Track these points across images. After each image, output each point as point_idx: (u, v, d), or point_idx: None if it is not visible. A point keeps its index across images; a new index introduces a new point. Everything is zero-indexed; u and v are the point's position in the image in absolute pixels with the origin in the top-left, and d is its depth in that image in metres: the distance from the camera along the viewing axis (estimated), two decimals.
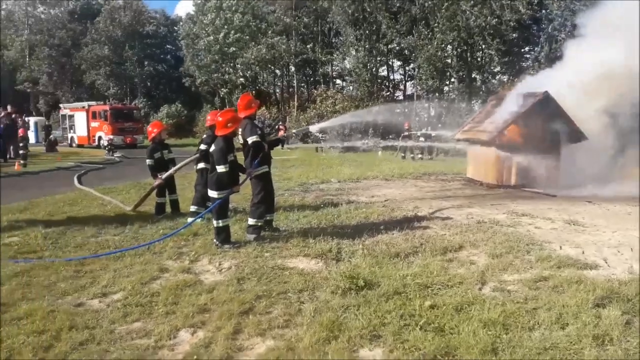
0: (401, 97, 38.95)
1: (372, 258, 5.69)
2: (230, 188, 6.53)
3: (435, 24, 28.05)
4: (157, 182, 8.45)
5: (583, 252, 5.97)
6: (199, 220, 7.55)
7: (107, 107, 33.04)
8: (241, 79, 41.57)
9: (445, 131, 15.47)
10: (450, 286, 4.86)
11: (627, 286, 4.67)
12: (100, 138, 32.37)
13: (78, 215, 8.74)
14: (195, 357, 3.54)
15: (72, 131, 35.29)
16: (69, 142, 35.14)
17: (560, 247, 6.20)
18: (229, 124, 6.45)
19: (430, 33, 28.44)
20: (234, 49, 39.04)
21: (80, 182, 13.77)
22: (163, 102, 48.53)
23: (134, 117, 34.82)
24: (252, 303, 4.47)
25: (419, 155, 22.68)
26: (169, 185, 8.67)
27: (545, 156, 11.55)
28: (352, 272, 5.01)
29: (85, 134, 33.90)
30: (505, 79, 29.23)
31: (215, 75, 42.09)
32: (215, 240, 6.51)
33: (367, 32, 31.93)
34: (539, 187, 11.53)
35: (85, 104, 35.39)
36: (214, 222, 6.50)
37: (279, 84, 46.60)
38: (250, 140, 6.74)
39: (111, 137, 30.41)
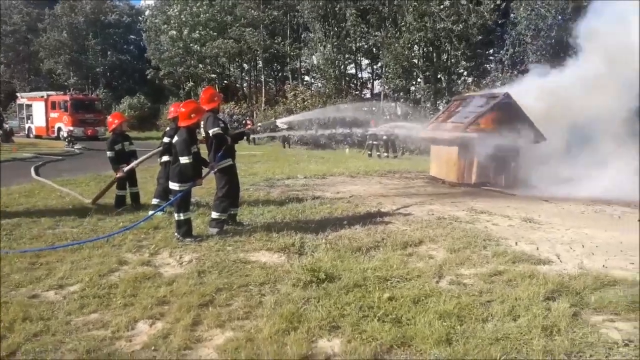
0: (369, 95, 39.23)
1: (334, 252, 5.75)
2: (193, 180, 6.47)
3: (403, 23, 28.38)
4: (118, 174, 8.30)
5: (537, 249, 6.19)
6: (159, 213, 7.45)
7: (67, 98, 32.01)
8: (212, 75, 41.00)
9: (410, 123, 15.68)
10: (408, 279, 4.97)
11: (577, 280, 4.88)
12: (59, 129, 31.34)
13: (35, 207, 8.48)
14: (153, 347, 3.51)
15: (29, 121, 34.08)
16: (26, 132, 33.91)
17: (516, 243, 6.41)
18: (192, 115, 6.37)
19: (398, 32, 28.75)
20: (197, 46, 38.48)
21: (37, 173, 13.33)
22: (125, 93, 47.25)
23: (95, 108, 33.83)
24: (212, 295, 4.46)
25: (385, 154, 22.94)
26: (130, 178, 8.53)
27: (505, 156, 11.91)
28: (314, 265, 5.07)
29: (43, 124, 32.76)
30: (469, 80, 29.81)
31: (180, 69, 41.39)
32: (176, 234, 6.44)
33: (335, 28, 32.00)
34: (498, 186, 11.87)
35: (44, 93, 34.18)
36: (175, 215, 6.43)
37: (246, 78, 46.12)
38: (211, 132, 6.68)
39: (71, 128, 29.48)
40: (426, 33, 27.42)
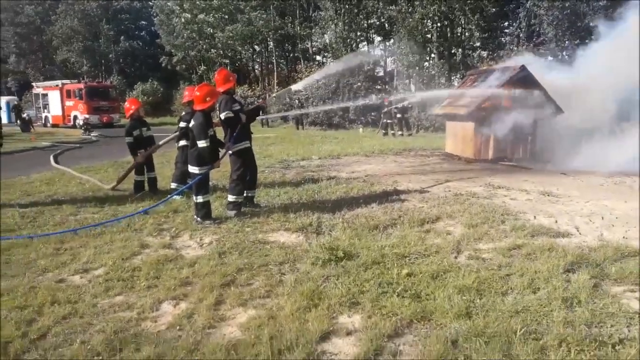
0: (381, 73, 38.83)
1: (351, 231, 5.79)
2: (211, 164, 6.53)
3: None
4: (137, 159, 8.40)
5: (556, 222, 6.16)
6: (177, 196, 7.56)
7: (81, 86, 32.26)
8: (225, 60, 40.86)
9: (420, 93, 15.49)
10: (427, 255, 4.99)
11: (597, 252, 4.87)
12: (75, 117, 31.68)
13: (55, 194, 8.65)
14: (178, 327, 3.60)
15: (46, 110, 34.48)
16: (43, 121, 34.34)
17: (535, 217, 6.38)
18: (207, 98, 6.40)
19: (411, 7, 28.23)
20: (211, 30, 38.29)
21: (57, 161, 13.55)
22: (138, 79, 47.40)
23: (110, 95, 34.08)
24: (233, 275, 4.54)
25: (399, 132, 22.79)
26: (147, 163, 8.63)
27: (522, 130, 11.76)
28: (332, 244, 5.13)
29: (59, 113, 33.13)
30: (484, 55, 29.28)
31: (192, 52, 41.31)
32: (195, 217, 6.53)
33: (346, 5, 31.54)
34: (515, 160, 11.76)
35: (59, 82, 34.45)
36: (194, 198, 6.50)
37: (258, 60, 45.90)
38: (222, 116, 6.70)
39: (87, 116, 29.76)
40: (440, 6, 26.87)
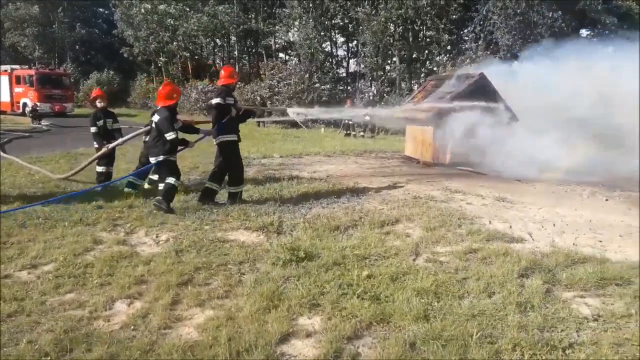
0: (344, 74, 39.06)
1: (313, 231, 5.78)
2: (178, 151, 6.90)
3: (381, 1, 28.14)
4: (102, 150, 8.19)
5: (510, 227, 6.35)
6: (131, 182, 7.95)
7: (32, 72, 30.76)
8: (185, 53, 39.99)
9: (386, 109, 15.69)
10: (386, 257, 5.04)
11: (549, 258, 5.04)
12: (25, 105, 30.19)
13: (2, 185, 8.22)
14: (132, 327, 3.48)
15: None
16: None
17: (490, 222, 6.55)
18: (173, 95, 6.84)
19: (375, 10, 28.52)
20: (171, 20, 37.45)
21: (4, 150, 12.89)
22: (94, 68, 45.66)
23: (63, 83, 32.66)
24: (191, 274, 4.45)
25: (361, 134, 22.97)
26: (109, 156, 8.42)
27: (480, 136, 12.06)
28: (293, 244, 5.09)
29: (7, 99, 31.48)
30: (444, 60, 29.89)
31: (152, 45, 40.23)
32: (157, 197, 6.68)
33: (311, 5, 31.52)
34: (471, 166, 12.05)
35: (8, 67, 32.75)
36: (167, 179, 6.68)
37: (219, 54, 45.17)
38: (213, 102, 7.10)
39: (37, 103, 28.43)
40: (407, 11, 27.27)
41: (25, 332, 3.36)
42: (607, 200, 8.56)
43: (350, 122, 22.99)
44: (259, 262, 4.85)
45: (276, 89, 29.59)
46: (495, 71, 13.08)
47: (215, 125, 7.06)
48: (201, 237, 5.56)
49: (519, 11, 25.05)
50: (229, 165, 7.19)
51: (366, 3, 29.24)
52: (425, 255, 5.16)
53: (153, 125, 6.81)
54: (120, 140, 8.29)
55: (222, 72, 7.48)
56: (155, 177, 8.11)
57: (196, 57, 42.43)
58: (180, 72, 41.34)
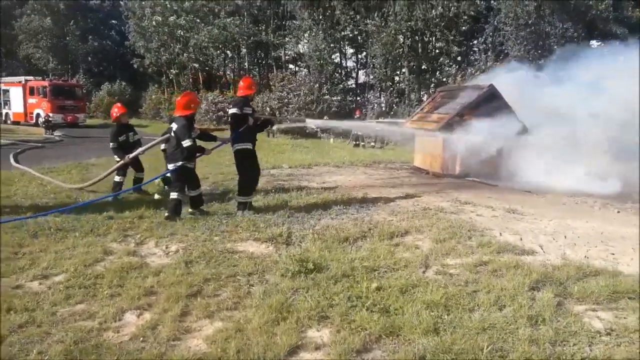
0: (354, 85, 39.19)
1: (322, 242, 5.77)
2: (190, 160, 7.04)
3: (390, 12, 28.28)
4: (123, 161, 8.41)
5: (521, 239, 6.29)
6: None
7: (46, 83, 31.20)
8: (195, 64, 40.41)
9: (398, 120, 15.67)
10: (396, 269, 5.02)
11: (560, 270, 4.98)
12: (38, 115, 30.60)
13: (15, 195, 8.32)
14: (141, 338, 3.49)
15: (6, 107, 33.14)
16: (3, 118, 33.04)
17: (500, 234, 6.50)
18: (192, 105, 7.10)
19: (384, 22, 28.65)
20: (182, 32, 37.90)
21: (17, 160, 13.05)
22: (106, 79, 46.26)
23: (76, 94, 33.09)
24: (200, 286, 4.45)
25: (371, 144, 22.99)
26: (136, 164, 8.78)
27: (489, 147, 12.03)
28: (302, 255, 5.08)
29: (21, 110, 31.94)
30: (453, 72, 29.90)
31: (164, 56, 40.68)
32: (189, 209, 7.16)
33: (321, 17, 31.74)
34: (481, 177, 12.00)
35: (22, 78, 33.26)
36: (172, 194, 7.00)
37: (230, 66, 45.56)
38: (230, 111, 7.42)
39: (49, 114, 28.79)
40: (416, 23, 27.39)
41: (35, 342, 3.38)
42: (618, 212, 8.47)
43: (359, 133, 23.02)
44: (267, 274, 4.85)
45: (285, 100, 29.73)
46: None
47: (232, 134, 7.36)
48: (211, 248, 5.58)
49: (530, 22, 25.04)
50: (242, 173, 7.46)
51: (376, 15, 29.38)
52: (435, 268, 5.14)
53: (172, 133, 7.00)
54: (140, 150, 8.44)
55: (241, 83, 7.74)
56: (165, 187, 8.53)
57: (207, 68, 42.83)
58: (191, 83, 41.69)
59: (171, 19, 37.34)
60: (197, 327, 3.72)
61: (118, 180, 8.60)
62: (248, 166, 7.50)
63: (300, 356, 3.36)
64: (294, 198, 8.40)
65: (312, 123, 13.57)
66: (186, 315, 3.91)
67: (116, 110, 8.87)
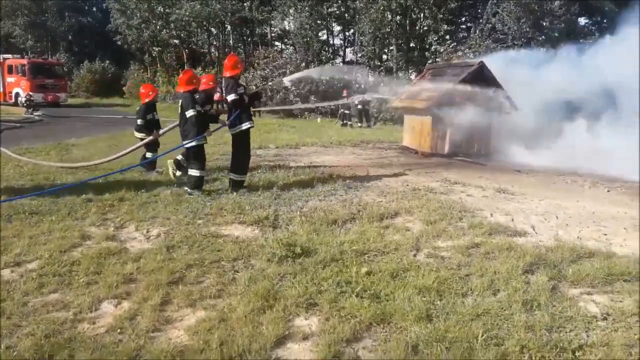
0: (341, 63, 38.70)
1: (309, 225, 5.58)
2: (202, 134, 7.11)
3: None
4: (151, 136, 8.62)
5: (512, 220, 6.18)
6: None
7: (25, 61, 30.29)
8: (175, 40, 39.44)
9: (383, 95, 15.39)
10: (386, 252, 4.86)
11: (553, 253, 4.87)
12: (17, 95, 29.74)
13: None
14: (118, 330, 3.29)
15: None
16: None
17: (491, 215, 6.38)
18: (194, 81, 7.21)
19: None
20: (162, 8, 36.88)
21: None
22: (87, 57, 45.10)
23: (57, 73, 32.26)
24: (182, 272, 4.25)
25: (358, 124, 22.76)
26: (152, 144, 8.86)
27: (478, 126, 11.89)
28: (289, 239, 4.89)
29: (0, 89, 31.05)
30: (441, 50, 29.55)
31: (145, 33, 39.64)
32: (186, 188, 7.06)
33: None
34: (470, 156, 11.88)
35: (0, 56, 32.27)
36: (190, 171, 7.09)
37: (214, 43, 44.59)
38: (229, 98, 7.19)
39: (30, 93, 28.00)
40: (406, 0, 26.88)
41: (3, 337, 3.16)
42: (608, 191, 8.42)
43: (346, 112, 22.75)
44: (253, 259, 4.65)
45: (270, 79, 29.22)
46: None
47: (230, 117, 7.29)
48: (193, 232, 5.36)
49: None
50: (243, 152, 7.46)
51: None
52: (426, 251, 4.99)
53: (179, 110, 7.13)
54: (168, 127, 8.76)
55: (227, 62, 7.44)
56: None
57: (190, 45, 41.92)
58: (174, 60, 40.82)
59: None
60: (179, 316, 3.53)
61: (150, 156, 8.73)
62: (246, 142, 7.50)
63: (287, 347, 3.19)
64: (281, 179, 8.18)
65: (287, 79, 13.46)
66: (167, 304, 3.71)
67: (150, 92, 9.07)
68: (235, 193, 7.05)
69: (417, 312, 3.57)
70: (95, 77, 42.05)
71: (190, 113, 6.91)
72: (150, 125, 8.87)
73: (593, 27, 28.94)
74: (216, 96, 10.13)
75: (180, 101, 7.16)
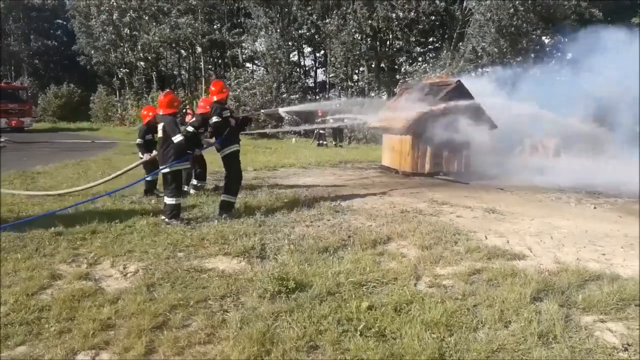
0: (312, 84, 38.77)
1: (300, 254, 5.24)
2: (187, 158, 7.04)
3: (349, 11, 27.91)
4: (145, 157, 8.44)
5: (508, 242, 5.98)
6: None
7: None
8: (141, 63, 38.77)
9: (361, 116, 15.30)
10: (385, 283, 4.56)
11: (558, 277, 4.66)
12: None
13: None
14: None
15: None
16: None
17: (486, 237, 6.17)
18: (174, 104, 7.08)
19: (343, 20, 28.26)
20: (127, 30, 36.31)
21: None
22: (53, 81, 44.00)
23: (20, 97, 31.23)
24: (166, 315, 3.83)
25: (332, 143, 22.61)
26: (154, 164, 8.35)
27: (458, 144, 11.85)
28: (281, 272, 4.54)
29: None
30: (410, 70, 29.79)
31: (113, 55, 38.90)
32: (163, 217, 6.71)
33: (278, 15, 31.04)
34: (451, 175, 11.78)
35: None
36: (166, 199, 6.75)
37: (184, 65, 44.08)
38: (211, 121, 7.15)
39: None
40: (378, 22, 27.09)
41: None
42: (595, 208, 8.36)
43: (322, 132, 22.60)
44: (243, 295, 4.28)
45: (242, 99, 28.87)
46: None
47: (217, 139, 7.22)
48: (175, 266, 4.94)
49: (503, 23, 24.88)
50: (232, 174, 7.37)
51: (334, 13, 28.97)
52: (427, 279, 4.71)
53: (160, 133, 6.91)
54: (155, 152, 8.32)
55: (213, 88, 7.44)
56: (196, 182, 9.06)
57: (160, 68, 41.33)
58: (143, 83, 40.12)
59: (115, 15, 35.63)
60: None
61: (150, 179, 8.60)
62: (238, 166, 7.43)
63: None
64: (263, 204, 7.81)
65: (283, 111, 13.29)
66: (151, 353, 3.31)
67: (150, 113, 8.88)
68: (221, 217, 6.91)
69: (429, 351, 3.28)
70: (62, 101, 40.96)
71: (178, 138, 6.70)
72: (150, 146, 8.70)
73: (559, 46, 29.65)
74: (187, 117, 10.04)
75: (162, 125, 6.86)
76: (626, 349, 3.45)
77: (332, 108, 18.18)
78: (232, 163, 7.34)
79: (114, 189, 7.74)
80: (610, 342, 3.54)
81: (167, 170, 6.77)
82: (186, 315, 3.85)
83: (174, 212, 6.70)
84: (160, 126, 6.91)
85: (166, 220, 6.64)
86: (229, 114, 7.28)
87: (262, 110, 18.46)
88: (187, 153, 7.02)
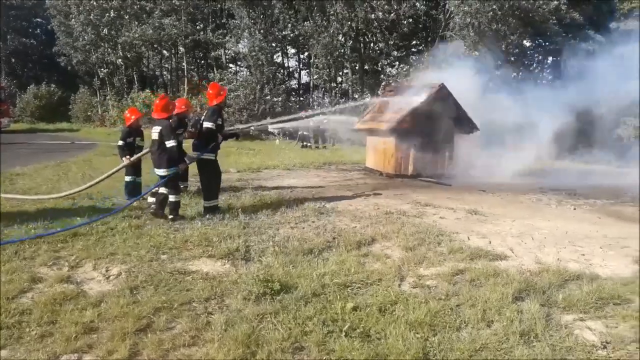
0: (296, 85, 38.74)
1: (284, 256, 5.25)
2: (178, 165, 7.03)
3: (332, 12, 28.00)
4: (124, 162, 8.11)
5: (490, 242, 6.06)
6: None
7: None
8: (119, 60, 38.23)
9: (344, 117, 15.34)
10: (369, 284, 4.59)
11: (539, 277, 4.75)
12: None
13: None
14: None
15: None
16: None
17: (469, 238, 6.25)
18: (170, 107, 7.15)
19: (327, 21, 28.33)
20: (106, 31, 35.79)
21: None
22: (32, 81, 43.19)
23: None
24: (150, 318, 3.80)
25: (315, 145, 22.63)
26: (137, 168, 8.45)
27: (441, 146, 11.97)
28: (266, 273, 4.54)
29: None
30: (394, 72, 29.97)
31: (94, 55, 38.31)
32: (170, 215, 6.87)
33: (261, 15, 30.96)
34: (434, 176, 11.89)
35: None
36: (170, 197, 6.92)
37: (166, 66, 43.63)
38: (205, 125, 7.10)
39: None
40: (358, 23, 27.21)
41: None
42: (575, 209, 8.52)
43: (306, 133, 22.61)
44: (227, 298, 4.26)
45: (225, 101, 28.66)
46: None
47: (198, 143, 7.25)
48: (158, 269, 4.90)
49: (484, 27, 25.12)
50: (206, 179, 7.33)
51: (316, 15, 29.01)
52: (411, 280, 4.75)
53: (155, 136, 6.91)
54: (141, 153, 8.23)
55: (210, 91, 7.36)
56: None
57: (142, 68, 40.87)
58: (125, 83, 39.63)
59: (92, 15, 35.11)
60: None
61: (129, 179, 8.36)
62: (212, 170, 7.36)
63: None
64: (247, 206, 7.79)
65: (272, 126, 13.23)
66: (135, 356, 3.29)
67: (132, 116, 8.47)
68: (206, 217, 6.98)
69: (413, 351, 3.32)
70: (41, 102, 40.27)
71: (171, 143, 6.79)
72: (132, 149, 8.43)
73: (540, 49, 30.13)
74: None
75: (159, 128, 6.89)
76: (605, 347, 3.53)
77: (320, 119, 18.18)
78: (206, 168, 7.30)
79: (119, 206, 7.42)
80: (590, 340, 3.62)
81: (164, 173, 6.89)
82: (170, 318, 3.83)
83: (177, 209, 6.99)
84: (156, 129, 6.93)
85: (171, 217, 6.85)
86: (221, 123, 7.30)
87: (252, 126, 18.26)
88: (181, 157, 7.17)
